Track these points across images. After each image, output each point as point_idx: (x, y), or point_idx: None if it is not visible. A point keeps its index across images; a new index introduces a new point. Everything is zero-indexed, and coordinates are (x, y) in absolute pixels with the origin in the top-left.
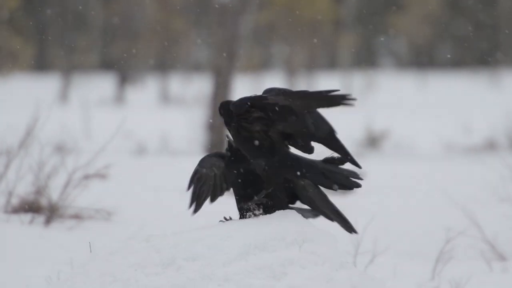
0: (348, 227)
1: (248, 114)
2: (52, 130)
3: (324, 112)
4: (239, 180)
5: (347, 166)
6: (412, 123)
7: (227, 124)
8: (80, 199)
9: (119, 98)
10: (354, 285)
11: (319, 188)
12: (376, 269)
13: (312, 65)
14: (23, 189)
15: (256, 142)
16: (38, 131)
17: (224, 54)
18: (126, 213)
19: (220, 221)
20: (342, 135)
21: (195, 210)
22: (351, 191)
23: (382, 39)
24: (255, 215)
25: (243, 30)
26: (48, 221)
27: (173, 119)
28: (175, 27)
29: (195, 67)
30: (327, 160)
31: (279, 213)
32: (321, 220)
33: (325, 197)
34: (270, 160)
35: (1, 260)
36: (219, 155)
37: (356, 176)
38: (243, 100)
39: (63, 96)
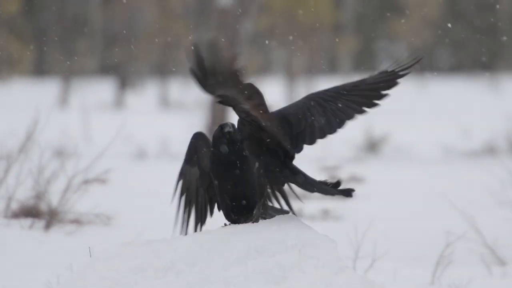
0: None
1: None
2: (52, 135)
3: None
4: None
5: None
6: (412, 128)
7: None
8: (80, 204)
9: (119, 103)
10: None
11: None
12: (376, 273)
13: (312, 70)
14: (23, 194)
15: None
16: (38, 136)
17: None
18: (125, 217)
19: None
20: (341, 140)
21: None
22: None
23: (382, 43)
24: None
25: (242, 34)
26: (48, 225)
27: (173, 123)
28: (175, 31)
29: None
30: (321, 183)
31: (278, 218)
32: (320, 225)
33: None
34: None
35: (1, 265)
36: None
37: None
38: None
39: (63, 100)
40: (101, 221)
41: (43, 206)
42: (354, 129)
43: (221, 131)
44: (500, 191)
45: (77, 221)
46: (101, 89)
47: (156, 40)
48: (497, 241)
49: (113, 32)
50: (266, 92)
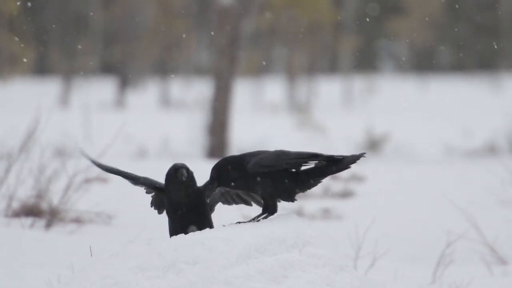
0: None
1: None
2: (53, 134)
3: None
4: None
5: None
6: (413, 127)
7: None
8: (81, 203)
9: (120, 102)
10: None
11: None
12: (377, 273)
13: (313, 69)
14: (24, 193)
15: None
16: (39, 135)
17: (225, 58)
18: (126, 216)
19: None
20: (342, 139)
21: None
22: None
23: (383, 42)
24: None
25: (243, 34)
26: (48, 224)
27: (174, 123)
28: (176, 30)
29: (196, 71)
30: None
31: (279, 217)
32: (321, 224)
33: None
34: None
35: (2, 264)
36: None
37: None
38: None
39: (64, 99)
40: (102, 220)
41: (44, 205)
42: (355, 128)
43: (175, 175)
44: (501, 190)
45: (78, 220)
46: (102, 88)
47: (157, 39)
48: (498, 241)
49: (114, 31)
50: (267, 91)
